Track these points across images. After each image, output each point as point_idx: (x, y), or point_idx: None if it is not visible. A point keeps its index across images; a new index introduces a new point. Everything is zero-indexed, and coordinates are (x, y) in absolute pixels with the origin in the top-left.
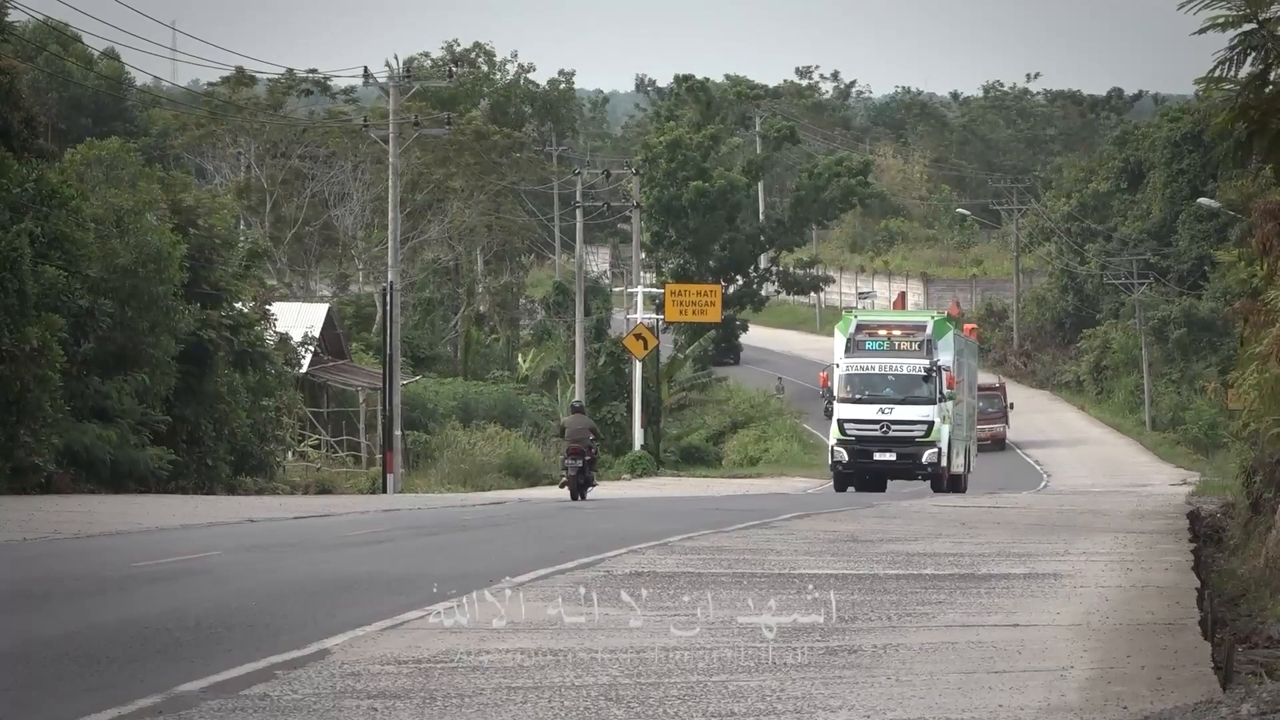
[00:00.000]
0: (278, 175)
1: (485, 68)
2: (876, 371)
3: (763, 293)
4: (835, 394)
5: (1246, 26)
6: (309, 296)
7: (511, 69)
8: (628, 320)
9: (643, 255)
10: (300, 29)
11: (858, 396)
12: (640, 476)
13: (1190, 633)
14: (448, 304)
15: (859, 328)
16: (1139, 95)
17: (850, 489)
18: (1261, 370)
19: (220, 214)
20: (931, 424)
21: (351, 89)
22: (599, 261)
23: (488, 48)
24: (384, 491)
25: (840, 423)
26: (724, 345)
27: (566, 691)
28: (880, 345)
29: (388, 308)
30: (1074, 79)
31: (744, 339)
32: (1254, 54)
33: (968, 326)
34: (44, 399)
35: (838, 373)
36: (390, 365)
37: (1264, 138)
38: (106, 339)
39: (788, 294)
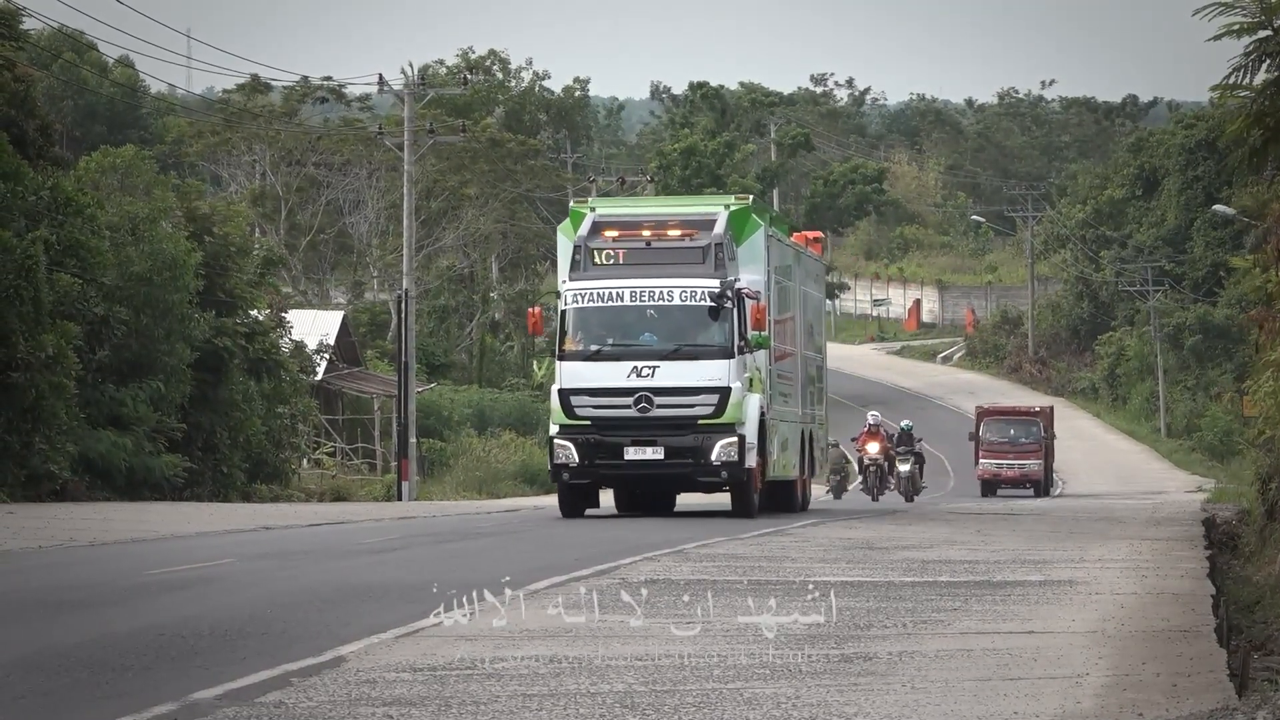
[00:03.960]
0: (293, 183)
1: (500, 75)
2: (627, 302)
3: None
4: (557, 345)
5: (1261, 34)
6: (324, 304)
7: (526, 76)
8: None
9: None
10: (315, 37)
11: (595, 349)
12: None
13: (1205, 640)
14: (463, 311)
15: (595, 227)
16: (1154, 102)
17: (589, 511)
18: (1277, 377)
19: (235, 221)
20: (726, 392)
21: (366, 96)
22: None
23: (503, 55)
24: (399, 499)
25: (564, 395)
26: None
27: (582, 699)
28: (632, 257)
29: (403, 315)
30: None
31: None
32: (1269, 61)
33: (800, 235)
34: (59, 406)
35: (560, 306)
36: (405, 372)
37: (1278, 144)
38: (121, 346)
39: None
